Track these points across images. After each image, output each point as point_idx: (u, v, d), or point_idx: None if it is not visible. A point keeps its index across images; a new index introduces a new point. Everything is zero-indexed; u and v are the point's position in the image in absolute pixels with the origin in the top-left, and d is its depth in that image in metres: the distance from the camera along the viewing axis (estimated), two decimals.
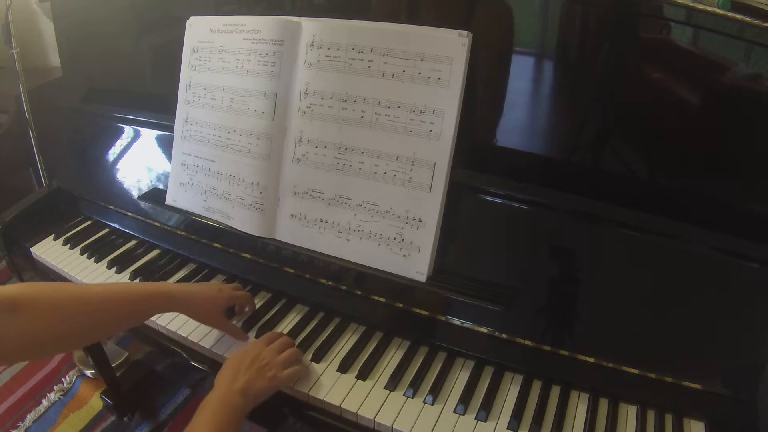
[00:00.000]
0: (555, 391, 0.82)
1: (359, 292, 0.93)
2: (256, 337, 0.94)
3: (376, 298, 0.92)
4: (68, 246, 1.21)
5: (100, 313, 0.76)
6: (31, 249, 1.22)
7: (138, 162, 1.20)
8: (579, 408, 0.80)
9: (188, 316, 0.91)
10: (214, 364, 0.93)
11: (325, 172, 0.91)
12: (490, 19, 0.84)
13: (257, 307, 1.01)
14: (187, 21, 1.05)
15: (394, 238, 0.87)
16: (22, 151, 1.73)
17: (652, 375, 0.77)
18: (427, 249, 0.85)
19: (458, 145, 0.82)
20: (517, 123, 0.86)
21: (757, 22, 0.68)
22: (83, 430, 1.50)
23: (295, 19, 0.91)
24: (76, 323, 0.73)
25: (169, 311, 0.89)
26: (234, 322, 0.96)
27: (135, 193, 1.19)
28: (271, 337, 0.88)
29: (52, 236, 1.24)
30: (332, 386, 0.84)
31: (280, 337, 0.88)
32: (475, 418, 0.79)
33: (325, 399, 0.82)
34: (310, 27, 0.90)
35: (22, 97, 1.58)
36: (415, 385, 0.83)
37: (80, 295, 0.75)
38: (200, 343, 0.93)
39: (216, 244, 1.06)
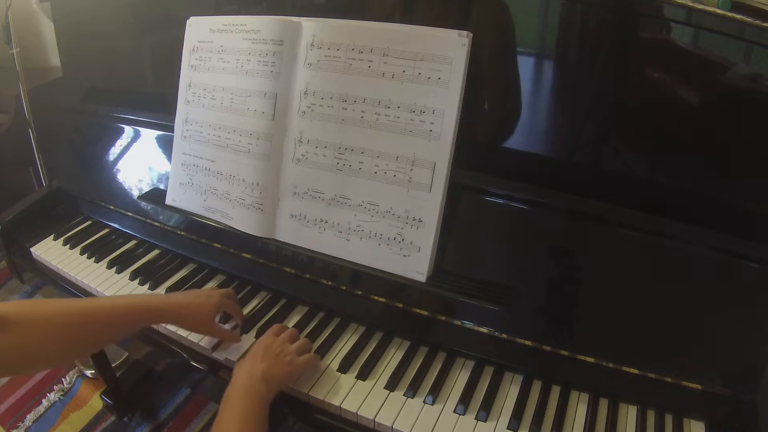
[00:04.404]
0: (555, 391, 0.82)
1: (359, 292, 0.93)
2: (256, 337, 0.94)
3: (376, 298, 0.92)
4: (68, 246, 1.21)
5: (88, 326, 0.77)
6: (31, 249, 1.22)
7: (138, 162, 1.20)
8: (579, 408, 0.80)
9: (178, 326, 0.91)
10: (214, 364, 0.93)
11: (325, 172, 0.91)
12: (489, 18, 0.84)
13: (257, 307, 1.01)
14: (187, 21, 1.05)
15: (394, 238, 0.87)
16: (22, 151, 1.73)
17: (652, 375, 0.77)
18: (427, 249, 0.85)
19: (458, 145, 0.82)
20: (518, 123, 0.86)
21: (757, 22, 0.68)
22: (83, 430, 1.51)
23: (295, 19, 0.91)
24: (65, 337, 0.74)
25: (157, 323, 0.89)
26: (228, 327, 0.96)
27: (135, 193, 1.19)
28: (278, 328, 0.89)
29: (52, 236, 1.24)
30: (332, 386, 0.84)
31: (287, 329, 0.89)
32: (475, 418, 0.78)
33: (325, 399, 0.82)
34: (310, 27, 0.90)
35: (22, 97, 1.59)
36: (415, 385, 0.83)
37: (67, 310, 0.76)
38: (200, 343, 0.93)
39: (216, 244, 1.06)
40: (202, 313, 0.87)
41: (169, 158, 1.11)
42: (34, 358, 0.72)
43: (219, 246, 1.06)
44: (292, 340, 0.86)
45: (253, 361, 0.79)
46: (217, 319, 0.96)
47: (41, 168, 1.68)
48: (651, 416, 0.78)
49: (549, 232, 0.83)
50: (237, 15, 0.99)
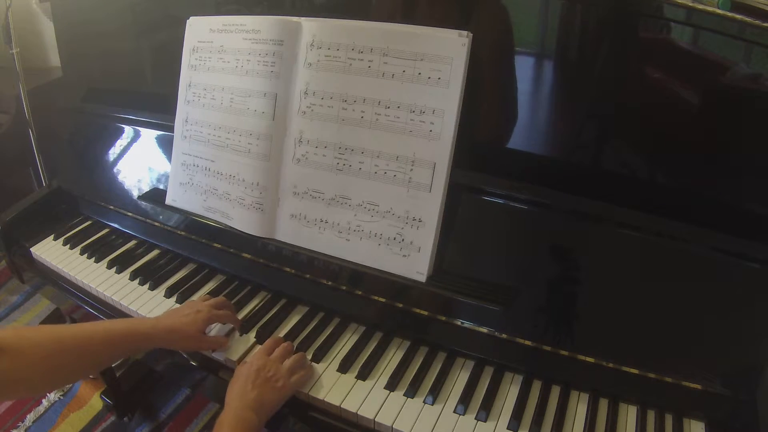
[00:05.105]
0: (555, 392, 0.82)
1: (359, 292, 0.93)
2: (256, 337, 0.94)
3: (376, 298, 0.92)
4: (68, 246, 1.21)
5: (81, 351, 0.78)
6: (31, 249, 1.22)
7: (138, 162, 1.20)
8: (579, 408, 0.80)
9: (169, 348, 0.92)
10: (214, 364, 0.93)
11: (325, 172, 0.91)
12: (490, 18, 0.84)
13: (257, 307, 1.01)
14: (187, 21, 1.05)
15: (394, 238, 0.87)
16: (22, 151, 1.72)
17: (652, 375, 0.77)
18: (427, 249, 0.85)
19: (458, 145, 0.82)
20: (518, 123, 0.86)
21: (757, 22, 0.68)
22: (83, 430, 1.50)
23: (295, 19, 0.91)
24: (58, 362, 0.75)
25: (149, 348, 0.90)
26: (231, 325, 0.96)
27: (135, 193, 1.19)
28: (271, 345, 0.88)
29: (52, 236, 1.24)
30: (332, 386, 0.84)
31: (280, 344, 0.88)
32: (475, 418, 0.79)
33: (325, 399, 0.82)
34: (310, 27, 0.90)
35: (22, 97, 1.58)
36: (415, 386, 0.83)
37: (61, 336, 0.77)
38: None
39: (216, 244, 1.06)
40: (191, 332, 0.87)
41: (169, 158, 1.11)
42: (26, 383, 0.73)
43: (219, 246, 1.06)
44: (284, 357, 0.85)
45: (245, 387, 0.79)
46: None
47: (41, 168, 1.68)
48: (651, 416, 0.78)
49: (549, 232, 0.83)
50: (237, 15, 0.99)
